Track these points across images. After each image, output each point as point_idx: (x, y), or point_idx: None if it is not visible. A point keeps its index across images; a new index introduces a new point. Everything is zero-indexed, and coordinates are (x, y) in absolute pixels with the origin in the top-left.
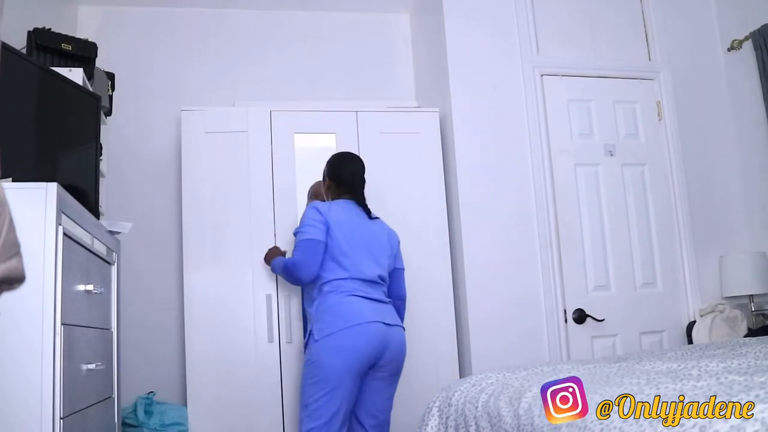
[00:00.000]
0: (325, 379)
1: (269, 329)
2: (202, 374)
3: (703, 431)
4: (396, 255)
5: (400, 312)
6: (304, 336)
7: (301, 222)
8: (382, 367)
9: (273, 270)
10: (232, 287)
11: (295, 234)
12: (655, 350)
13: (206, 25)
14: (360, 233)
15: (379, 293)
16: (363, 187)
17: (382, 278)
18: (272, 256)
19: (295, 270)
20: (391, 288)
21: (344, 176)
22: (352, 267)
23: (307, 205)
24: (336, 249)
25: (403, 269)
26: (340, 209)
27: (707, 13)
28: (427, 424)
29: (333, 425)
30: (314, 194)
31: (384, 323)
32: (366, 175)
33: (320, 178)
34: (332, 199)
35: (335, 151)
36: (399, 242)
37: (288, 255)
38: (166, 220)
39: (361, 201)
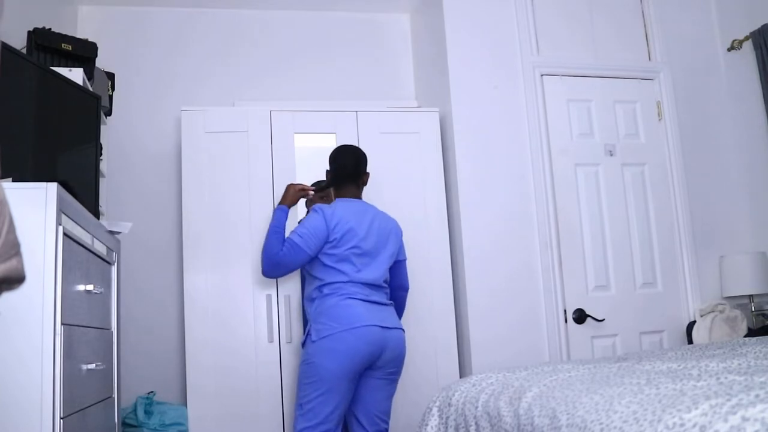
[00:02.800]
0: (320, 381)
1: (269, 329)
2: (202, 374)
3: (703, 431)
4: (399, 248)
5: (403, 303)
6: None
7: (303, 223)
8: (380, 367)
9: (274, 216)
10: (232, 287)
11: (293, 232)
12: (655, 350)
13: (206, 25)
14: (369, 238)
15: (379, 296)
16: (361, 177)
17: (385, 281)
18: (288, 198)
19: (270, 260)
20: (394, 279)
21: (348, 166)
22: (354, 272)
23: (309, 208)
24: (341, 254)
25: (406, 260)
26: (347, 212)
27: (707, 13)
28: (427, 424)
29: (326, 426)
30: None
31: (381, 326)
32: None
33: (320, 177)
34: (336, 193)
35: None
36: (402, 234)
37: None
38: (166, 220)
39: (358, 192)
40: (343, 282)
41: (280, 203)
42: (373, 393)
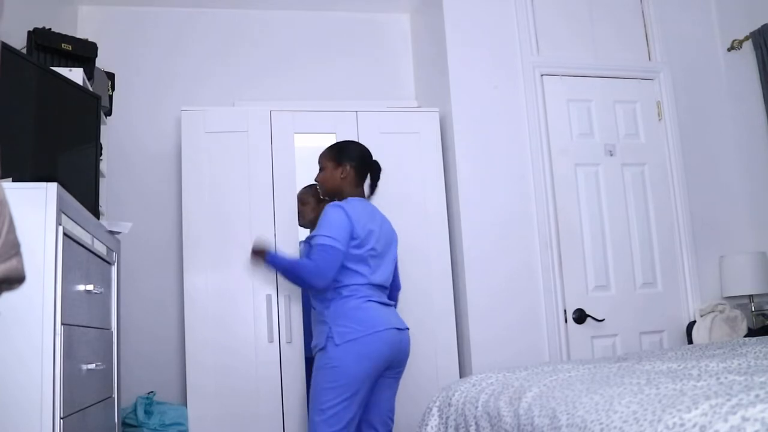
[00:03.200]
0: (346, 385)
1: (269, 329)
2: (201, 374)
3: (703, 431)
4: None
5: (396, 303)
6: (305, 335)
7: (324, 223)
8: (392, 368)
9: (273, 264)
10: (232, 287)
11: (315, 236)
12: (655, 350)
13: (207, 25)
14: (381, 240)
15: (385, 297)
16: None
17: (389, 283)
18: (261, 250)
19: (312, 275)
20: (393, 280)
21: (364, 159)
22: (369, 274)
23: (325, 208)
24: (360, 255)
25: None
26: (364, 212)
27: (707, 13)
28: (427, 424)
29: (349, 431)
30: (302, 201)
31: (397, 328)
32: None
33: None
34: (351, 188)
35: None
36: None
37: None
38: (166, 220)
39: (363, 191)
40: (361, 284)
41: (263, 252)
42: (384, 393)
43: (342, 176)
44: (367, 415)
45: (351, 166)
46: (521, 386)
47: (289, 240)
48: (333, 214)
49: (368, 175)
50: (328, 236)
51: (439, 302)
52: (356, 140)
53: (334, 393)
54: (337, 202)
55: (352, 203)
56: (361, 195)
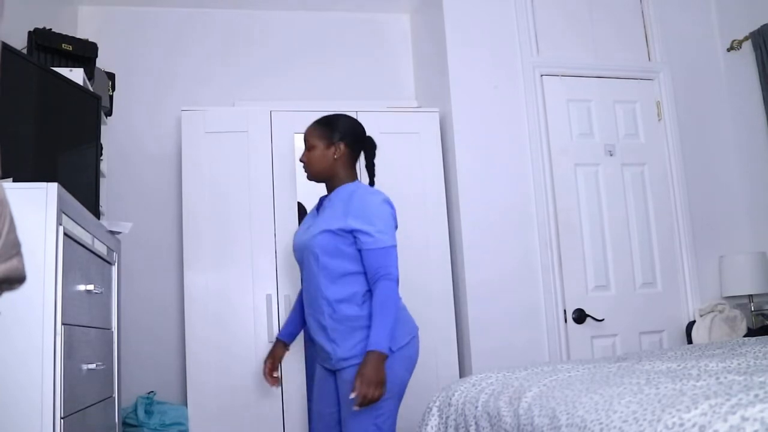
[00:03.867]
0: (399, 393)
1: (269, 329)
2: (202, 374)
3: (702, 431)
4: None
5: None
6: (305, 336)
7: (375, 217)
8: None
9: (383, 340)
10: (232, 287)
11: (373, 234)
12: (654, 350)
13: (207, 25)
14: None
15: None
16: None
17: None
18: (376, 372)
19: (396, 287)
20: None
21: (358, 135)
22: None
23: (367, 196)
24: None
25: None
26: None
27: (707, 13)
28: (427, 424)
29: None
30: None
31: None
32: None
33: None
34: (345, 170)
35: None
36: None
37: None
38: (166, 220)
39: (356, 173)
40: None
41: (373, 359)
42: None
43: (335, 156)
44: None
45: (345, 144)
46: (521, 386)
47: (289, 240)
48: (379, 206)
49: (361, 154)
50: (389, 234)
51: (439, 302)
52: (347, 113)
53: (391, 403)
54: (373, 189)
55: (379, 190)
56: (355, 178)
